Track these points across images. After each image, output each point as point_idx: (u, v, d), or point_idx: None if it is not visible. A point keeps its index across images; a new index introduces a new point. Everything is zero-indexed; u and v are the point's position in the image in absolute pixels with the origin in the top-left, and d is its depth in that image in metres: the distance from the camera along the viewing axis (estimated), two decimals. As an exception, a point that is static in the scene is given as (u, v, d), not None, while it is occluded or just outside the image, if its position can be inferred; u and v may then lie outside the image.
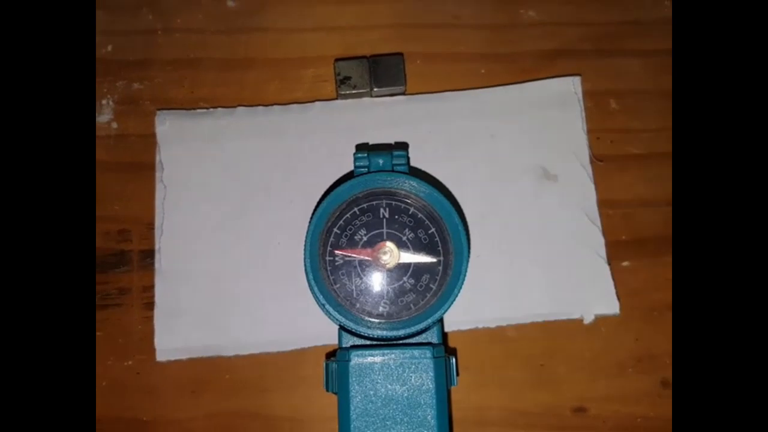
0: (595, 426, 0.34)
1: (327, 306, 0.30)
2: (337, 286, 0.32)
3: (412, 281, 0.32)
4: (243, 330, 0.35)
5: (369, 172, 0.33)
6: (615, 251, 0.36)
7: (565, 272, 0.35)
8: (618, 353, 0.35)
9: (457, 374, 0.31)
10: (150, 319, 0.35)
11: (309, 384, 0.35)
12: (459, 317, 0.34)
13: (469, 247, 0.32)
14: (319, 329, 0.34)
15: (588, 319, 0.35)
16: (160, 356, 0.35)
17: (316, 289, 0.31)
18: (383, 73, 0.37)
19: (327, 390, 0.31)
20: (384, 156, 0.33)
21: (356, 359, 0.29)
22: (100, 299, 0.36)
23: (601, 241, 0.35)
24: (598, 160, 0.37)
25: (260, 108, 0.37)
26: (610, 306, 0.35)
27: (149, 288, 0.36)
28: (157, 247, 0.36)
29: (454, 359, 0.31)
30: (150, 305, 0.35)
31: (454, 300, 0.31)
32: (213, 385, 0.35)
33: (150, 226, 0.37)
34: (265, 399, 0.35)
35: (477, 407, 0.35)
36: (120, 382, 0.35)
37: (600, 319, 0.35)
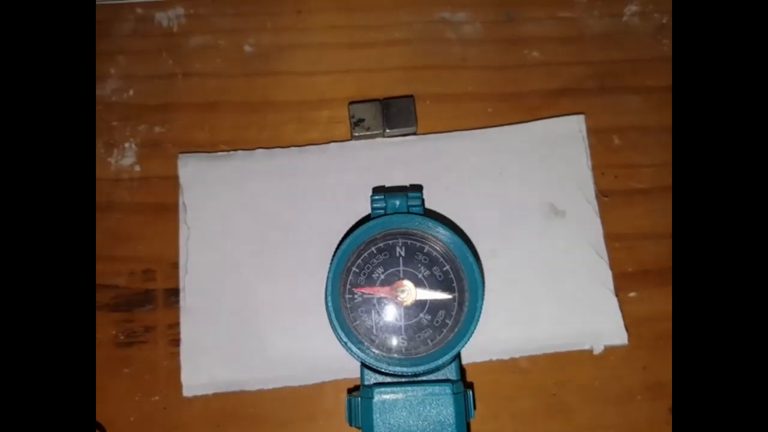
0: (606, 452, 0.36)
1: (349, 344, 0.32)
2: (357, 323, 0.33)
3: (428, 317, 0.33)
4: (265, 365, 0.36)
5: (386, 214, 0.34)
6: (622, 282, 0.37)
7: (574, 304, 0.36)
8: (626, 382, 0.36)
9: (474, 407, 0.33)
10: (175, 356, 0.37)
11: (329, 417, 0.36)
12: (473, 350, 0.35)
13: (483, 285, 0.33)
14: (337, 363, 0.35)
15: (597, 349, 0.36)
16: (187, 392, 0.36)
17: (338, 327, 0.32)
18: (395, 114, 0.39)
19: (350, 424, 0.32)
20: (400, 198, 0.34)
21: (379, 396, 0.31)
22: (126, 337, 0.37)
23: (609, 274, 0.37)
24: (603, 196, 0.38)
25: (278, 150, 0.39)
26: (619, 337, 0.36)
27: (174, 325, 0.37)
28: (181, 285, 0.37)
29: (471, 393, 0.32)
30: (175, 342, 0.37)
31: (471, 336, 0.32)
32: (237, 419, 0.36)
33: (173, 265, 0.38)
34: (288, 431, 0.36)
35: (492, 436, 0.36)
36: (147, 417, 0.36)
37: (608, 349, 0.36)
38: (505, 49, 0.41)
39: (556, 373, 0.36)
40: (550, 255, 0.37)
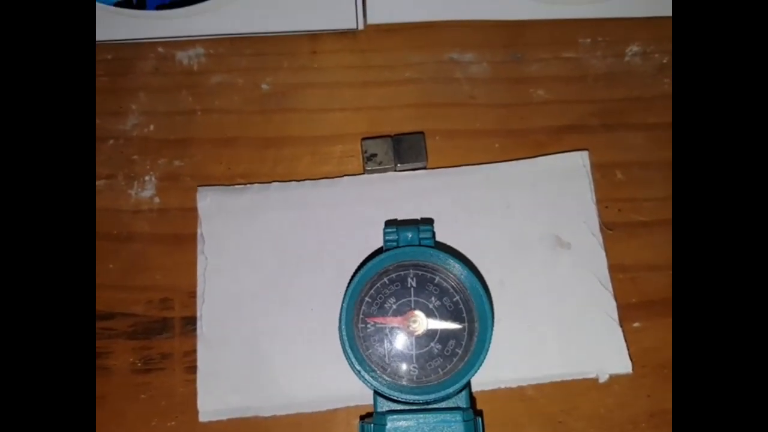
0: (612, 480, 0.36)
1: (362, 372, 0.33)
2: (369, 351, 0.34)
3: (439, 346, 0.34)
4: (279, 391, 0.37)
5: (398, 247, 0.35)
6: (626, 313, 0.38)
7: (580, 334, 0.37)
8: (631, 409, 0.37)
9: (484, 433, 0.34)
10: (191, 382, 0.37)
11: (342, 443, 0.37)
12: (481, 377, 0.36)
13: (492, 315, 0.34)
14: (350, 391, 0.36)
15: (602, 378, 0.37)
16: (203, 417, 0.37)
17: (351, 355, 0.33)
18: (406, 150, 0.40)
19: (362, 450, 0.33)
20: (412, 230, 0.36)
21: (392, 423, 0.32)
22: (143, 364, 0.38)
23: (613, 304, 0.38)
24: (608, 228, 0.39)
25: (293, 183, 0.41)
26: (623, 366, 0.37)
27: (190, 353, 0.38)
28: (198, 314, 0.38)
29: (480, 420, 0.33)
30: (191, 369, 0.38)
31: (480, 365, 0.33)
32: (251, 445, 0.37)
33: (191, 294, 0.39)
34: (301, 457, 0.37)
35: (500, 463, 0.37)
36: (164, 443, 0.37)
37: (613, 378, 0.37)
38: (511, 88, 0.43)
39: (562, 401, 0.37)
40: (556, 285, 0.38)
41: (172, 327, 0.39)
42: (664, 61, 0.43)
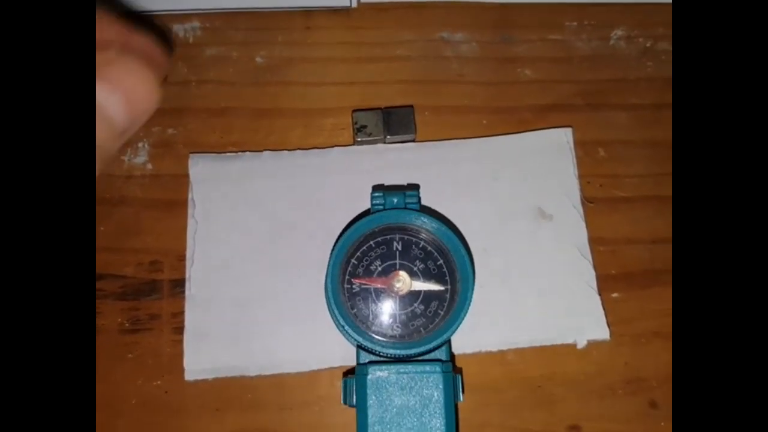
0: (588, 444, 0.37)
1: (346, 327, 0.34)
2: (354, 311, 0.35)
3: (422, 307, 0.35)
4: (265, 352, 0.38)
5: (384, 209, 0.36)
6: (605, 284, 0.39)
7: (559, 301, 0.38)
8: (609, 376, 0.38)
9: (463, 391, 0.34)
10: (178, 343, 0.38)
11: (325, 402, 0.38)
12: (464, 342, 0.37)
13: (474, 275, 0.35)
14: (334, 352, 0.37)
15: (581, 344, 0.38)
16: (189, 376, 0.37)
17: (336, 311, 0.34)
18: (396, 122, 0.41)
19: (344, 403, 0.34)
20: (398, 195, 0.37)
21: (373, 373, 0.33)
22: (131, 324, 0.39)
23: (592, 273, 0.39)
24: (588, 201, 0.41)
25: (284, 152, 0.41)
26: (601, 332, 0.38)
27: (178, 314, 0.39)
28: (187, 275, 0.39)
29: (460, 377, 0.34)
30: (178, 330, 0.38)
31: (461, 322, 0.34)
32: (236, 404, 0.38)
33: (180, 257, 0.40)
34: (284, 416, 0.37)
35: (480, 425, 0.37)
36: (149, 401, 0.38)
37: (592, 345, 0.38)
38: (499, 67, 0.44)
39: (541, 367, 0.38)
40: (537, 255, 0.39)
41: (160, 289, 0.40)
42: (648, 45, 0.45)
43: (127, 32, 0.25)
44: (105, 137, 0.23)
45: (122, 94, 0.23)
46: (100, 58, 0.22)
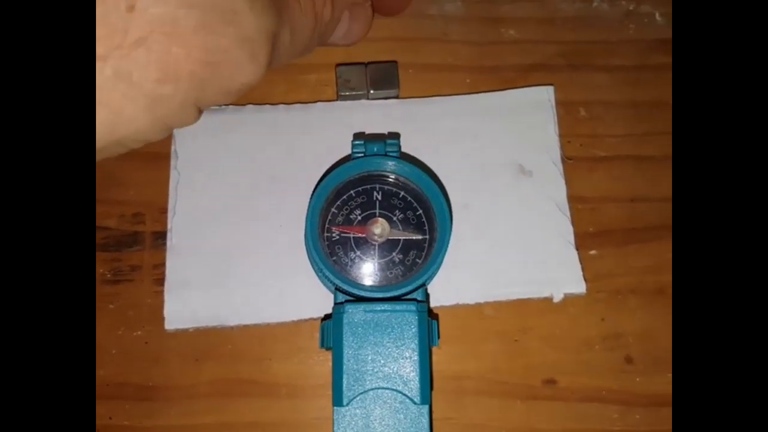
0: (564, 396, 0.38)
1: (325, 270, 0.34)
2: (334, 258, 0.35)
3: (400, 256, 0.36)
4: (245, 302, 0.38)
5: (365, 156, 0.37)
6: (583, 241, 0.40)
7: (537, 255, 0.39)
8: (585, 332, 0.39)
9: (438, 337, 0.35)
10: (159, 294, 0.38)
11: (304, 353, 0.38)
12: (442, 294, 0.38)
13: (451, 222, 0.36)
14: (314, 303, 0.38)
15: (557, 297, 0.38)
16: (169, 325, 0.38)
17: (315, 256, 0.34)
18: (379, 77, 0.41)
19: (321, 347, 0.34)
20: (378, 144, 0.37)
21: (350, 311, 0.33)
22: (113, 275, 0.39)
23: (570, 229, 0.39)
24: (567, 159, 0.41)
25: (267, 106, 0.42)
26: (577, 285, 0.38)
27: (159, 266, 0.39)
28: (169, 226, 0.39)
29: (435, 323, 0.34)
30: (159, 281, 0.39)
31: (439, 267, 0.34)
32: (216, 354, 0.38)
33: (162, 210, 0.40)
34: (264, 366, 0.38)
35: (456, 377, 0.38)
36: (129, 351, 0.38)
37: (568, 300, 0.38)
38: (483, 27, 0.44)
39: (519, 321, 0.39)
40: (517, 210, 0.40)
41: (142, 240, 0.40)
42: (630, 8, 0.45)
43: None
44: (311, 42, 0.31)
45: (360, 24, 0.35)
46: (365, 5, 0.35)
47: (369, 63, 0.42)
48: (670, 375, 0.38)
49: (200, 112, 0.26)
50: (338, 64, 0.42)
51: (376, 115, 0.41)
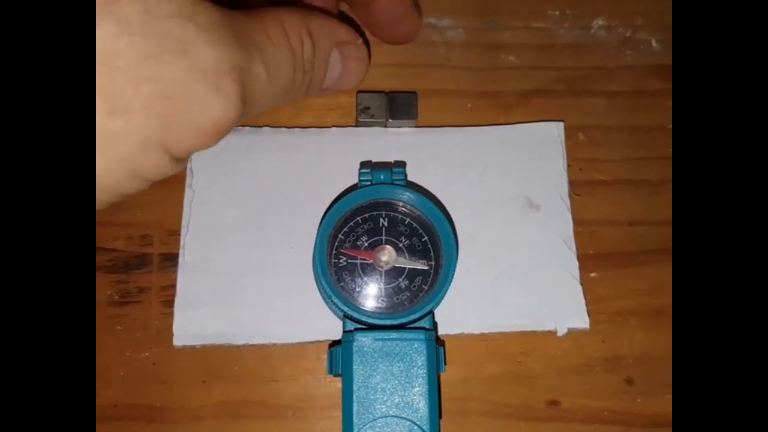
0: (566, 418, 0.38)
1: (333, 297, 0.35)
2: (341, 284, 0.36)
3: (406, 282, 0.36)
4: (253, 322, 0.38)
5: (372, 185, 0.37)
6: (583, 264, 0.40)
7: (542, 289, 0.39)
8: (587, 353, 0.39)
9: (445, 363, 0.35)
10: (167, 316, 0.39)
11: (311, 374, 0.38)
12: (448, 324, 0.38)
13: (457, 250, 0.36)
14: (321, 326, 0.38)
15: (561, 331, 0.39)
16: (177, 341, 0.38)
17: (323, 282, 0.35)
18: (398, 107, 0.42)
19: (330, 373, 0.35)
20: (385, 171, 0.38)
21: (359, 340, 0.34)
22: (120, 297, 0.40)
23: (576, 264, 0.40)
24: (575, 194, 0.42)
25: (283, 129, 0.42)
26: (581, 321, 0.39)
27: (167, 287, 0.39)
28: (182, 243, 0.39)
29: (442, 349, 0.35)
30: (167, 303, 0.39)
31: (444, 294, 0.35)
32: (223, 375, 0.38)
33: (171, 232, 0.40)
34: (270, 388, 0.38)
35: (460, 399, 0.38)
36: (137, 372, 0.38)
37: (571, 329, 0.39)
38: (484, 53, 0.45)
39: (522, 344, 0.39)
40: (523, 243, 0.40)
41: (150, 262, 0.40)
42: (627, 34, 0.46)
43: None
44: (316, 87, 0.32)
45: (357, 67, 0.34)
46: (356, 44, 0.34)
47: (389, 92, 0.42)
48: (670, 396, 0.39)
49: (176, 159, 0.25)
50: (359, 91, 0.42)
51: (388, 142, 0.42)
